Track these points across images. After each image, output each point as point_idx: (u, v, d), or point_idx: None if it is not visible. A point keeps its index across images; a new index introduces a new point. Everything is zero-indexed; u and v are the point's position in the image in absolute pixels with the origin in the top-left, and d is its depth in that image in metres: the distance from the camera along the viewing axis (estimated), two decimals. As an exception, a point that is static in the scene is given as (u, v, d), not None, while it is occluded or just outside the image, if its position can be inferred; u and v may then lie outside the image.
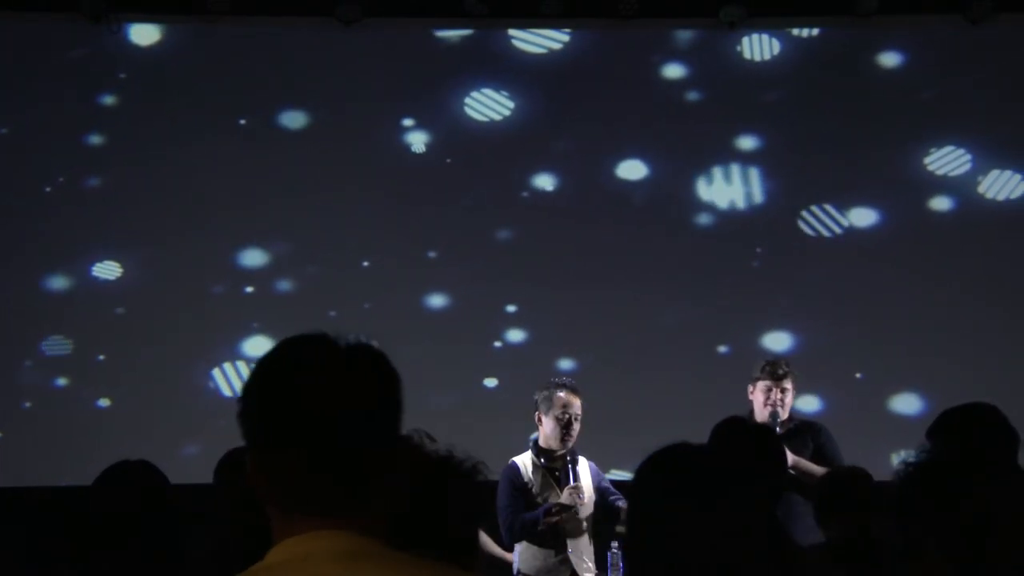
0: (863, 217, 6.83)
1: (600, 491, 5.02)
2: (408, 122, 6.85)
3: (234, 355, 6.61)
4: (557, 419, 4.94)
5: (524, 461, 5.02)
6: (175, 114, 6.74)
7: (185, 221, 6.69)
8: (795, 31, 6.96)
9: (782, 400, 5.10)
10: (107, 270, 6.69)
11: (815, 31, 6.97)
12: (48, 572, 2.88)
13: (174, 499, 2.83)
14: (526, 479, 4.97)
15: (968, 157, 6.83)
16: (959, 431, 2.92)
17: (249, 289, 6.71)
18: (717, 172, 6.85)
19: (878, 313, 6.64)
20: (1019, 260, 6.73)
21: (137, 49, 6.86)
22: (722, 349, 6.67)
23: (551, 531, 4.88)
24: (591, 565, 4.92)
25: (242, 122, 6.85)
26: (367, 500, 1.44)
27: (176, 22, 6.85)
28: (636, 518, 1.84)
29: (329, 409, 1.43)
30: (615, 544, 4.93)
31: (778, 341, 6.65)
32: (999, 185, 6.85)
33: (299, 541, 1.42)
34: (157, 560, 2.67)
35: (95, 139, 6.81)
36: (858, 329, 6.61)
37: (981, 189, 6.83)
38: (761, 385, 5.15)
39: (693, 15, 6.90)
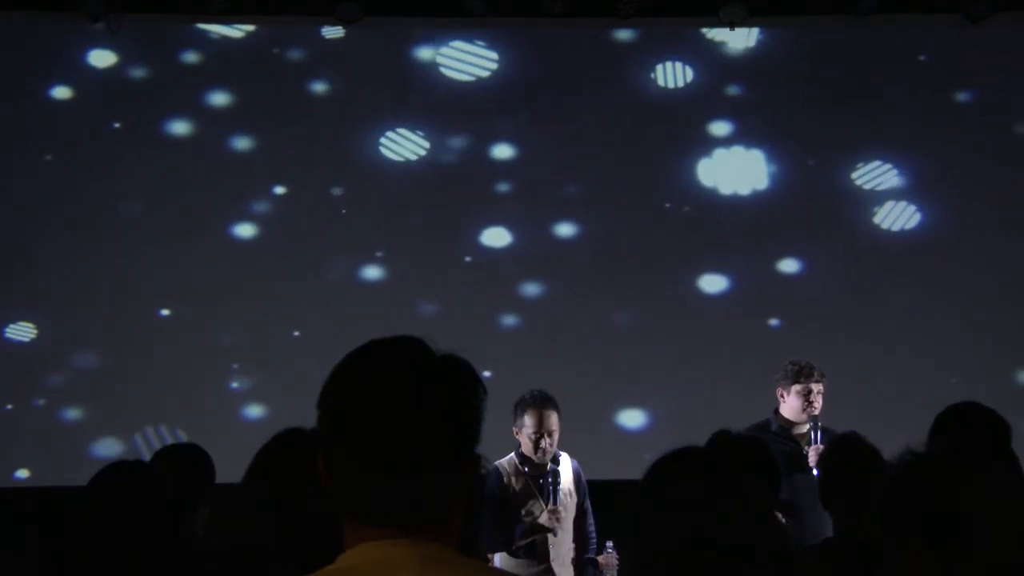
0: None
1: (579, 491, 4.98)
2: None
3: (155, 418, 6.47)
4: (529, 438, 4.87)
5: (506, 467, 4.93)
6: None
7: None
8: (794, 31, 6.96)
9: (819, 402, 5.11)
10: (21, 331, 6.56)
11: (815, 31, 6.97)
12: (47, 573, 2.88)
13: (174, 499, 2.83)
14: (507, 485, 4.88)
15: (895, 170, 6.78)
16: (947, 429, 2.92)
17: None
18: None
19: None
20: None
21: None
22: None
23: (529, 544, 4.84)
24: (571, 567, 4.90)
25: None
26: (435, 509, 1.40)
27: (175, 22, 6.82)
28: (644, 518, 1.82)
29: (389, 408, 1.38)
30: (609, 544, 4.92)
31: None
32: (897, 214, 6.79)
33: (372, 547, 1.38)
34: (156, 561, 2.67)
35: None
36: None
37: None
38: (799, 388, 5.10)
39: (693, 15, 6.88)
